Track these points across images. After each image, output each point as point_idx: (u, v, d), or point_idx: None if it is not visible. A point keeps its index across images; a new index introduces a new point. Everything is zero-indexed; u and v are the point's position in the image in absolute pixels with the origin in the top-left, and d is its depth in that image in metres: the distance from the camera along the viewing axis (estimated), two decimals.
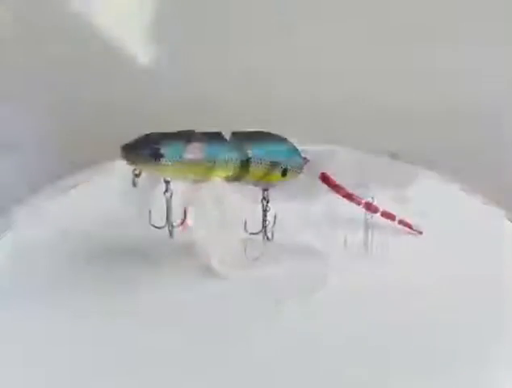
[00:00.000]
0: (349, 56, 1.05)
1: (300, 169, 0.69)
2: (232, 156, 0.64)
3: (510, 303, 0.65)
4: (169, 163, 0.61)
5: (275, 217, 0.69)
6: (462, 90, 1.05)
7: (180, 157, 0.61)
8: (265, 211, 0.68)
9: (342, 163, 0.69)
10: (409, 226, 0.74)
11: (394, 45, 1.04)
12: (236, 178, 0.65)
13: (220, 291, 0.65)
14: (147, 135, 0.61)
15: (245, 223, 0.68)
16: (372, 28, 1.04)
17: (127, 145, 0.60)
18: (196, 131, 0.63)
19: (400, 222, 0.74)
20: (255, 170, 0.65)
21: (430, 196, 0.80)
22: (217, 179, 0.63)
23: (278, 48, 1.04)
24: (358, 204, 0.71)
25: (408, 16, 1.03)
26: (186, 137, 0.62)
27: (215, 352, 0.59)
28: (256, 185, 0.67)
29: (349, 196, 0.70)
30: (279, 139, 0.67)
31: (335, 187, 0.70)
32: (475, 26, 1.02)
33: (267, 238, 0.69)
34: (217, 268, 0.66)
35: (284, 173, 0.67)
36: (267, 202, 0.68)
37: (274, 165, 0.66)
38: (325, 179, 0.69)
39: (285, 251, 0.69)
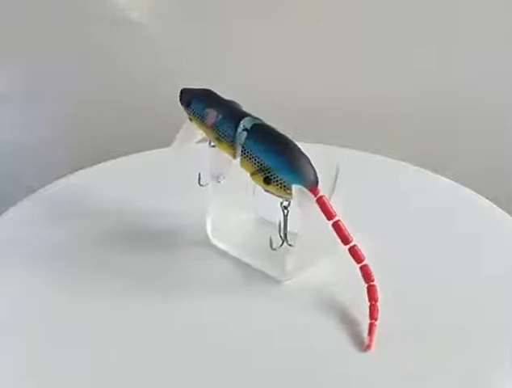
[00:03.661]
0: (347, 56, 1.06)
1: (290, 192, 0.62)
2: (229, 137, 0.65)
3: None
4: (193, 116, 0.68)
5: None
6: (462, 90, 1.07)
7: (201, 115, 0.67)
8: (285, 219, 0.64)
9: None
10: (372, 327, 0.61)
11: (393, 46, 1.06)
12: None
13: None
14: (205, 89, 0.69)
15: (279, 224, 0.64)
16: (371, 28, 1.05)
17: (183, 88, 0.69)
18: (237, 106, 0.67)
19: (373, 314, 0.61)
20: (244, 162, 0.64)
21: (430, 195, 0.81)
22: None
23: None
24: (345, 243, 0.61)
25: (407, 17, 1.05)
26: (217, 103, 0.67)
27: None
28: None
29: (339, 230, 0.61)
30: (289, 148, 0.62)
31: (330, 216, 0.61)
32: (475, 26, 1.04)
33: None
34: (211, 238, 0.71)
35: (266, 181, 0.63)
36: (287, 211, 0.63)
37: (259, 167, 0.63)
38: (321, 203, 0.61)
39: None
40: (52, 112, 1.10)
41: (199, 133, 0.69)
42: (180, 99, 0.69)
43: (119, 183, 0.82)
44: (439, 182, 0.83)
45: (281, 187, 0.62)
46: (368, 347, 0.59)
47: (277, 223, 0.64)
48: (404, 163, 0.86)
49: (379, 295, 0.61)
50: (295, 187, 0.61)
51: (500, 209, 0.77)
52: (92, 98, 1.09)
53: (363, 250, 0.61)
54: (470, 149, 1.09)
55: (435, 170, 0.84)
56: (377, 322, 0.60)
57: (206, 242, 0.71)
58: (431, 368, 0.58)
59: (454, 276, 0.68)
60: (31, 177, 0.86)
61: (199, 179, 0.70)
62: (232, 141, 0.65)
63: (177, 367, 0.58)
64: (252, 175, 0.64)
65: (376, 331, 0.60)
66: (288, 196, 0.62)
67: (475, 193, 0.80)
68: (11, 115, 1.10)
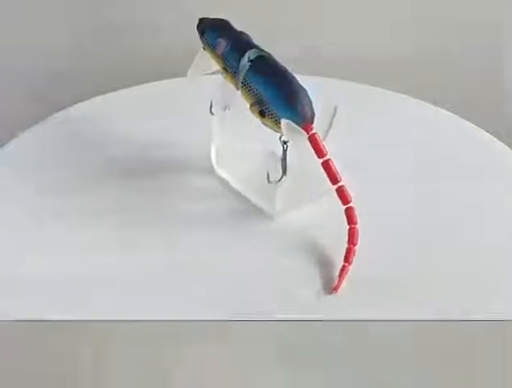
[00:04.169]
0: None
1: (280, 127, 0.61)
2: (234, 67, 0.65)
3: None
4: (206, 45, 0.68)
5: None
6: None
7: (213, 45, 0.67)
8: (284, 153, 0.63)
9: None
10: (348, 260, 0.61)
11: None
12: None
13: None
14: (221, 19, 0.69)
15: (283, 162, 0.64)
16: None
17: (201, 17, 0.69)
18: (247, 37, 0.66)
19: (348, 257, 0.61)
20: (244, 93, 0.64)
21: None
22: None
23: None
24: (333, 182, 0.61)
25: None
26: (228, 34, 0.67)
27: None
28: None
29: (329, 169, 0.61)
30: (286, 81, 0.62)
31: (320, 154, 0.61)
32: None
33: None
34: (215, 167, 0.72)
35: (261, 114, 0.62)
36: (286, 145, 0.62)
37: (256, 99, 0.63)
38: (313, 141, 0.61)
39: None
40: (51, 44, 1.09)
41: (213, 64, 0.68)
42: (197, 28, 0.69)
43: (120, 116, 0.81)
44: (439, 115, 0.83)
45: (275, 121, 0.61)
46: (335, 289, 0.59)
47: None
48: (404, 96, 0.85)
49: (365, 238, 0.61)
50: (283, 122, 0.60)
51: (500, 142, 0.77)
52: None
53: (355, 189, 0.61)
54: (469, 75, 1.09)
55: (435, 103, 0.83)
56: (350, 266, 0.60)
57: (209, 173, 0.71)
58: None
59: (454, 215, 0.68)
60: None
61: (211, 107, 0.70)
62: (236, 72, 0.64)
63: (177, 294, 0.59)
64: (250, 106, 0.63)
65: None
66: (281, 131, 0.62)
67: (475, 126, 0.80)
68: None
